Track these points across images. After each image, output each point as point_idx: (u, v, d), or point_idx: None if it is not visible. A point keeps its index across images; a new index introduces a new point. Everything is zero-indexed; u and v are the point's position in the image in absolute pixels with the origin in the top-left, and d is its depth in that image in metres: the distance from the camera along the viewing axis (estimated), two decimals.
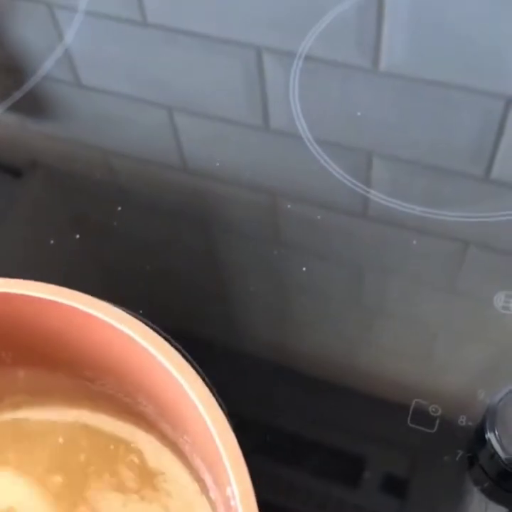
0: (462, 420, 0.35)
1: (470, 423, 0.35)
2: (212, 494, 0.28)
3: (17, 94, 0.48)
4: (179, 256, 0.42)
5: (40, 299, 0.28)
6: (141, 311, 0.37)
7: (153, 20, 0.52)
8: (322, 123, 0.46)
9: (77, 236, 0.42)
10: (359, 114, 0.46)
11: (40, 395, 0.33)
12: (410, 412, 0.35)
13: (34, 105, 0.49)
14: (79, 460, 0.31)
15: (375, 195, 0.42)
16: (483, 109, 0.47)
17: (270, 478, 0.34)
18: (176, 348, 0.26)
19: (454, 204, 0.42)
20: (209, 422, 0.24)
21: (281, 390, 0.37)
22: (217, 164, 0.44)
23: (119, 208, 0.43)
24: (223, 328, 0.39)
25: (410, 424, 0.35)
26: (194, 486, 0.30)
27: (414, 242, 0.41)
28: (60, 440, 0.32)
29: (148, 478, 0.31)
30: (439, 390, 0.36)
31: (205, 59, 0.50)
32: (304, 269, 0.40)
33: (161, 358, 0.26)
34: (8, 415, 0.33)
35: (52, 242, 0.42)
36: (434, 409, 0.35)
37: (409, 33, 0.50)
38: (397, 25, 0.50)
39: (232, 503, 0.23)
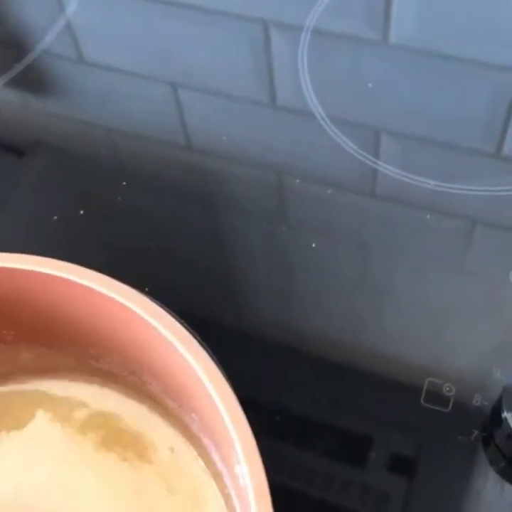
0: (477, 399, 0.34)
1: (485, 402, 0.34)
2: (223, 474, 0.27)
3: (17, 69, 0.47)
4: (184, 234, 0.41)
5: (41, 274, 0.27)
6: (146, 289, 0.36)
7: None
8: (332, 97, 0.45)
9: (81, 212, 0.41)
10: (370, 85, 0.45)
11: (44, 374, 0.32)
12: (423, 392, 0.34)
13: (34, 80, 0.47)
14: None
15: (387, 169, 0.41)
16: (496, 83, 0.45)
17: (283, 460, 0.34)
18: (183, 326, 0.25)
19: (465, 178, 0.41)
20: (216, 398, 0.23)
21: (289, 370, 0.36)
22: (224, 138, 0.43)
23: (124, 183, 0.42)
24: (229, 307, 0.39)
25: (424, 404, 0.34)
26: (201, 465, 0.29)
27: (428, 216, 0.40)
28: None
29: (151, 455, 0.30)
30: (453, 369, 0.35)
31: (210, 33, 0.49)
32: (314, 245, 0.39)
33: (164, 331, 0.25)
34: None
35: (55, 218, 0.41)
36: (448, 389, 0.34)
37: (419, 4, 0.49)
38: None
39: (241, 481, 0.22)
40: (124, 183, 0.42)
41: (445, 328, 0.37)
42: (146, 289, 0.36)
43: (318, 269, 0.39)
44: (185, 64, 0.47)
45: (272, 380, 0.36)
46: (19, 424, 0.31)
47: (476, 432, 0.33)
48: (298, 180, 0.42)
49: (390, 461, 0.34)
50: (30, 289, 0.28)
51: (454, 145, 0.43)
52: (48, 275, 0.27)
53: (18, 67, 0.47)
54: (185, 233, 0.41)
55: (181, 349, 0.24)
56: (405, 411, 0.35)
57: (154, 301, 0.26)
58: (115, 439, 0.30)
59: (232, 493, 0.26)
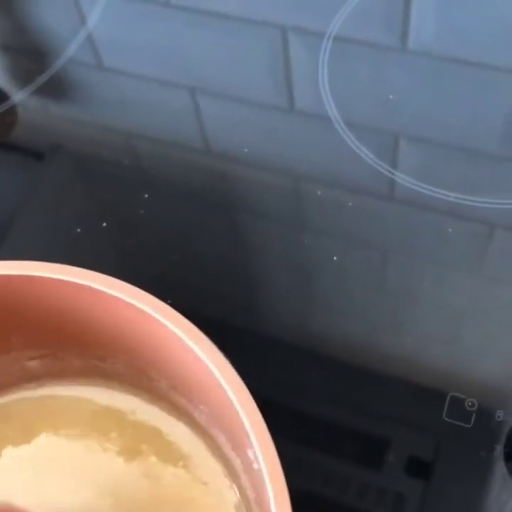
0: (500, 415, 0.33)
1: (508, 418, 0.33)
2: (234, 463, 0.26)
3: (41, 79, 0.48)
4: (207, 243, 0.41)
5: (42, 279, 0.26)
6: (169, 301, 0.35)
7: (177, 1, 0.51)
8: (352, 105, 0.44)
9: (104, 224, 0.41)
10: (391, 96, 0.44)
11: (51, 379, 0.32)
12: (446, 406, 0.33)
13: (58, 89, 0.48)
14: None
15: (407, 180, 0.41)
16: None
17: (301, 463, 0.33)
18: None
19: (487, 189, 0.40)
20: (224, 384, 0.22)
21: (309, 375, 0.36)
22: (246, 150, 0.43)
23: (146, 196, 0.42)
24: (253, 316, 0.38)
25: (446, 419, 0.33)
26: (212, 459, 0.29)
27: (450, 230, 0.39)
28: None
29: (163, 449, 0.29)
30: (475, 384, 0.34)
31: (230, 40, 0.48)
32: (335, 258, 0.39)
33: (171, 326, 0.24)
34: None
35: (78, 230, 0.41)
36: (470, 404, 0.33)
37: (439, 10, 0.48)
38: (427, 2, 0.48)
39: (255, 465, 0.21)
40: (146, 196, 0.42)
41: (467, 342, 0.36)
42: (169, 301, 0.35)
43: (339, 277, 0.39)
44: (204, 71, 0.47)
45: (291, 385, 0.35)
46: (29, 433, 0.31)
47: (498, 448, 0.32)
48: (315, 187, 0.41)
49: (407, 465, 0.33)
50: (34, 294, 0.27)
51: (475, 154, 0.42)
52: (49, 279, 0.26)
53: (42, 79, 0.48)
54: (207, 242, 0.40)
55: (189, 343, 0.24)
56: (427, 425, 0.34)
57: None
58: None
59: (246, 482, 0.26)
